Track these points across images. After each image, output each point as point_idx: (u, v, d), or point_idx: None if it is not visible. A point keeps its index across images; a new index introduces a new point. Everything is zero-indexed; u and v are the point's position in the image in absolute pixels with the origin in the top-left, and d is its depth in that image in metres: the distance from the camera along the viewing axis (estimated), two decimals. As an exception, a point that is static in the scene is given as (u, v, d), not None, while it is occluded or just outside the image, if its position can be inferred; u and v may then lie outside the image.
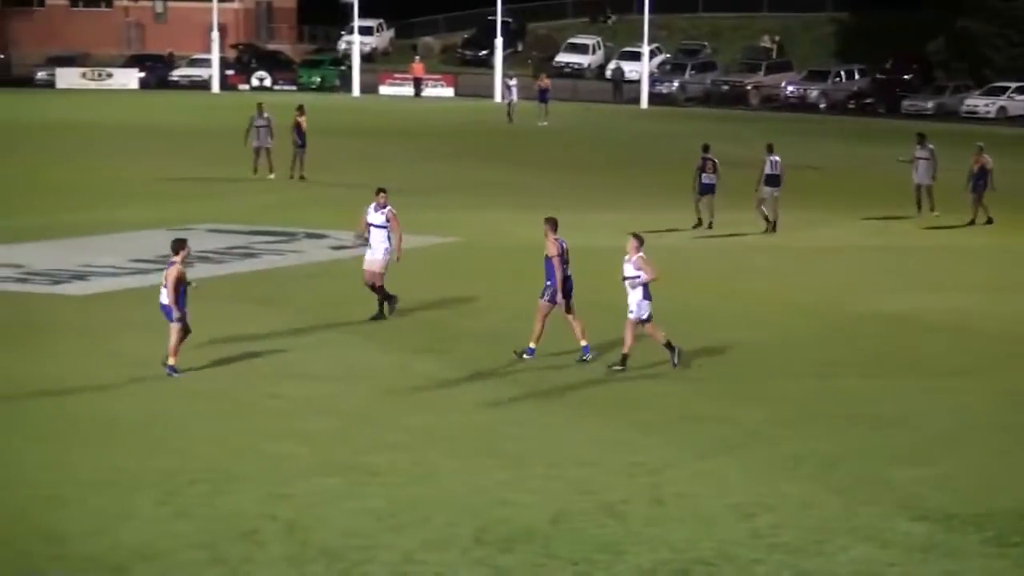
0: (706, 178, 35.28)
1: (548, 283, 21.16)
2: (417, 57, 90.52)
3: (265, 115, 43.62)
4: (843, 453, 17.23)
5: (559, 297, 21.10)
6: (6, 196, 38.72)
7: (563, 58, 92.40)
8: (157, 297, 20.06)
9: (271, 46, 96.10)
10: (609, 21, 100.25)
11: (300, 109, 43.91)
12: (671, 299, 26.76)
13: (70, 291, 25.95)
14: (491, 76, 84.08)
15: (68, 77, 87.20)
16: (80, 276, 27.26)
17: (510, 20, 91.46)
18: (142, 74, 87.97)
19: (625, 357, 20.79)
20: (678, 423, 18.41)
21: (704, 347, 22.58)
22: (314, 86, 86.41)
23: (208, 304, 24.82)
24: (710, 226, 35.14)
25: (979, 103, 76.15)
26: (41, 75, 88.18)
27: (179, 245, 19.86)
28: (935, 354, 22.87)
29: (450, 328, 23.60)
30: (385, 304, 23.94)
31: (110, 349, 20.83)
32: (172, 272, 19.64)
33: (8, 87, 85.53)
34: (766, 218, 35.09)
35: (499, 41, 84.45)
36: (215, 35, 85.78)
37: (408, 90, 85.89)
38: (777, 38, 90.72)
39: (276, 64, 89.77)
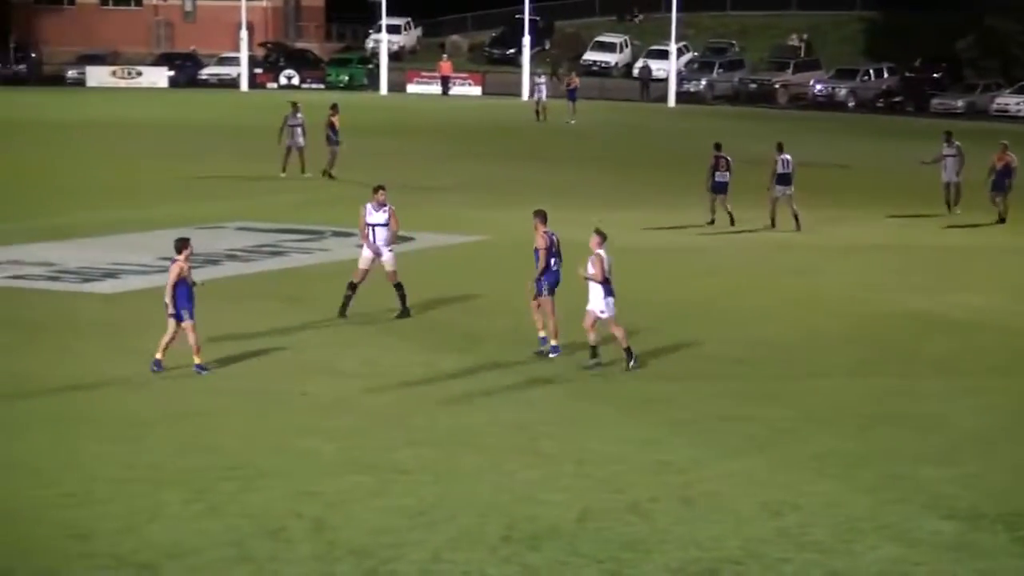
0: (719, 176, 35.33)
1: (541, 278, 21.13)
2: (445, 55, 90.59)
3: (299, 115, 43.72)
4: (871, 452, 17.18)
5: (544, 289, 21.07)
6: (37, 195, 38.90)
7: (590, 56, 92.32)
8: (165, 301, 19.95)
9: (299, 44, 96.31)
10: (636, 19, 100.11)
11: (334, 108, 44.03)
12: (698, 297, 26.77)
13: (100, 289, 26.05)
14: (518, 75, 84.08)
15: (98, 75, 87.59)
16: (111, 274, 27.37)
17: (538, 18, 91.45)
18: (171, 72, 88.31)
19: (629, 351, 20.69)
20: (705, 422, 18.38)
21: (731, 345, 22.56)
22: (342, 84, 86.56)
23: (236, 302, 24.94)
24: (732, 222, 35.12)
25: (1010, 101, 75.80)
26: (72, 73, 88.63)
27: (182, 244, 19.91)
28: (963, 353, 22.78)
29: (477, 326, 23.60)
30: (405, 299, 23.88)
31: (139, 347, 20.89)
32: (173, 269, 19.68)
33: (39, 85, 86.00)
34: (773, 220, 35.04)
35: (527, 39, 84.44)
36: (243, 34, 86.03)
37: (436, 88, 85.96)
38: (805, 36, 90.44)
39: (304, 62, 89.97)
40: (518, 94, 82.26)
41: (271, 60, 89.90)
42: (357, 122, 44.79)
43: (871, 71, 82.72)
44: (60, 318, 23.47)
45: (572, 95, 68.70)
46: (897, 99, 79.85)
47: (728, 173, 35.25)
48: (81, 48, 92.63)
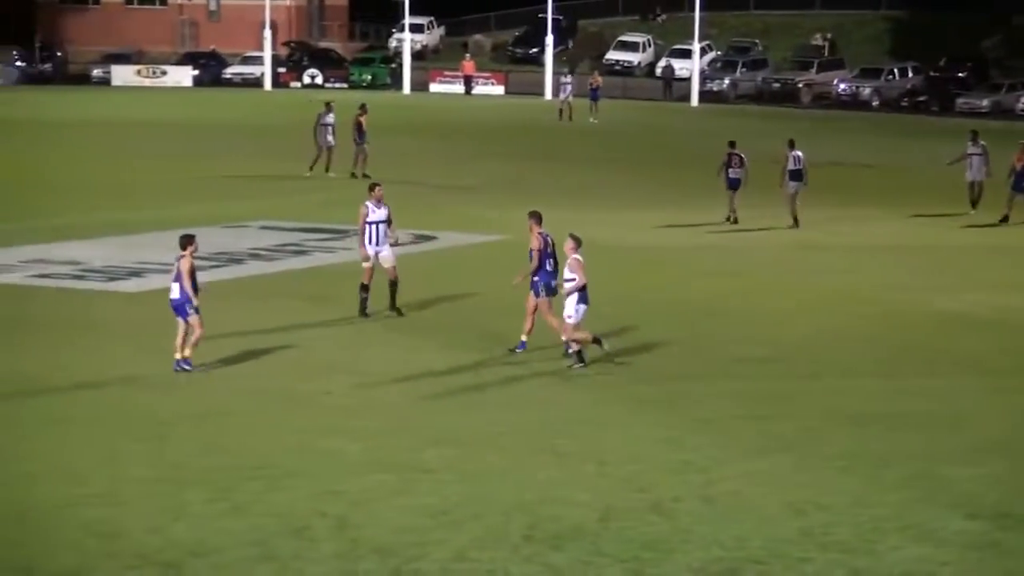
0: (732, 173, 35.46)
1: (535, 278, 21.11)
2: (468, 55, 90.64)
3: (331, 115, 43.76)
4: (895, 451, 17.14)
5: (541, 290, 21.06)
6: (64, 194, 39.04)
7: (613, 56, 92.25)
8: (188, 295, 19.92)
9: (323, 44, 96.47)
10: (659, 19, 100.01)
11: (362, 108, 44.11)
12: (720, 296, 26.73)
13: (125, 288, 26.14)
14: (541, 74, 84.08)
15: (123, 74, 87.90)
16: (136, 273, 27.46)
17: (561, 18, 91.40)
18: (196, 72, 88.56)
19: (580, 353, 20.60)
20: (728, 421, 18.36)
21: (754, 345, 22.53)
22: (365, 84, 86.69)
23: (259, 301, 25.00)
24: (735, 221, 35.17)
25: (1036, 100, 75.56)
26: (97, 72, 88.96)
27: (187, 240, 19.89)
28: (988, 353, 22.70)
29: (497, 326, 23.58)
30: (395, 298, 23.84)
31: (163, 345, 20.91)
32: (185, 264, 19.70)
33: (65, 85, 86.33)
34: (795, 216, 35.03)
35: (550, 39, 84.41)
36: (267, 33, 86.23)
37: (458, 88, 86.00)
38: (829, 36, 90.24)
39: (327, 62, 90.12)
40: (541, 93, 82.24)
41: (295, 59, 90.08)
42: (380, 121, 44.87)
43: (895, 70, 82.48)
44: (85, 317, 23.56)
45: (595, 95, 68.68)
46: (922, 98, 79.58)
47: (741, 170, 35.34)
48: (106, 47, 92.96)
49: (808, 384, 20.40)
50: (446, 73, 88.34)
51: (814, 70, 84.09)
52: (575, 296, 20.43)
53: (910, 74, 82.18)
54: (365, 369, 20.55)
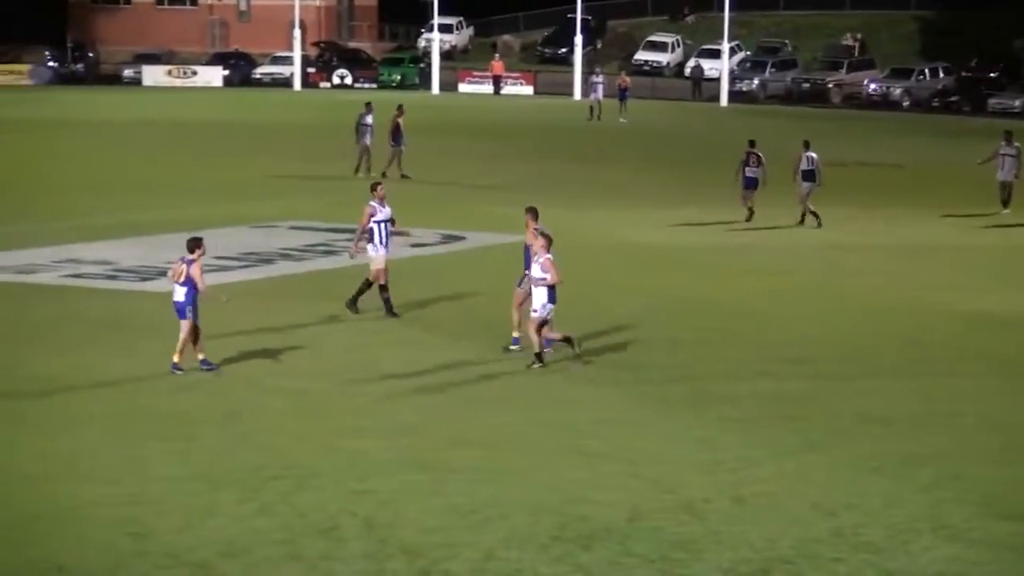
0: (750, 172, 35.52)
1: (527, 272, 21.08)
2: (497, 55, 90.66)
3: (370, 116, 43.71)
4: (927, 451, 17.06)
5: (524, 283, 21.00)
6: (95, 194, 39.17)
7: (642, 56, 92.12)
8: (206, 295, 19.91)
9: (352, 44, 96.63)
10: (688, 19, 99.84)
11: (399, 109, 44.14)
12: (749, 296, 26.65)
13: (157, 288, 26.17)
14: (570, 74, 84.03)
15: (154, 75, 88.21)
16: (166, 273, 27.41)
17: (590, 18, 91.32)
18: (225, 72, 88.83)
19: (539, 355, 20.49)
20: (760, 420, 18.30)
21: (783, 345, 22.46)
22: (394, 84, 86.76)
23: (287, 300, 25.03)
24: (749, 218, 35.24)
25: (1069, 100, 75.14)
26: (128, 73, 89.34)
27: (195, 243, 19.82)
28: (1020, 353, 22.57)
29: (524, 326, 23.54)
30: (360, 297, 23.74)
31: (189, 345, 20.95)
32: (196, 270, 19.59)
33: (96, 85, 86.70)
34: (815, 213, 35.10)
35: (579, 39, 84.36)
36: (297, 33, 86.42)
37: (487, 88, 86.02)
38: (859, 36, 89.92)
39: (357, 62, 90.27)
40: (570, 93, 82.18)
41: (324, 59, 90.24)
42: (409, 122, 44.88)
43: (926, 70, 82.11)
44: (117, 317, 23.62)
45: (623, 95, 68.62)
46: (953, 99, 79.22)
47: (759, 169, 35.38)
48: (137, 47, 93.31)
49: (838, 384, 20.32)
50: (475, 73, 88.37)
51: (844, 70, 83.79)
52: (544, 292, 20.37)
53: (941, 74, 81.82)
54: (391, 369, 20.54)
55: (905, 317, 25.09)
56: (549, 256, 20.42)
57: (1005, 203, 38.04)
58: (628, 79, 71.37)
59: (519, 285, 21.35)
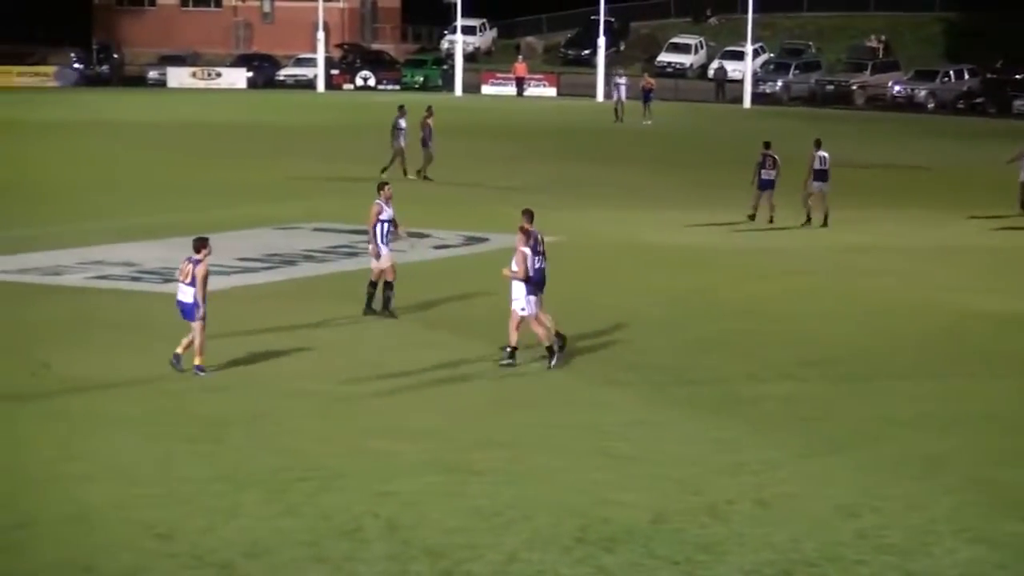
0: (765, 174, 35.58)
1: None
2: (520, 57, 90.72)
3: (403, 119, 43.70)
4: (950, 453, 17.04)
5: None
6: (119, 195, 39.32)
7: (665, 58, 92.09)
8: (198, 301, 19.94)
9: (375, 46, 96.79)
10: (712, 21, 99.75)
11: (428, 110, 44.19)
12: (771, 297, 26.63)
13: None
14: (593, 76, 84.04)
15: (179, 76, 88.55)
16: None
17: (613, 20, 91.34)
18: (249, 73, 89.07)
19: (551, 350, 20.53)
20: (783, 422, 18.30)
21: (808, 346, 22.44)
22: (417, 85, 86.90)
23: (310, 302, 25.10)
24: (771, 220, 35.21)
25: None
26: (153, 74, 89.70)
27: (201, 243, 19.79)
28: (1044, 356, 22.55)
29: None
30: (372, 300, 23.84)
31: (215, 347, 21.03)
32: (201, 270, 19.55)
33: (121, 86, 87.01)
34: (809, 214, 35.12)
35: (602, 41, 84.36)
36: (320, 35, 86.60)
37: (510, 89, 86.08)
38: (883, 37, 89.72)
39: (380, 64, 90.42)
40: (593, 95, 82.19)
41: (347, 61, 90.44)
42: (434, 123, 45.00)
43: (951, 72, 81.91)
44: (140, 319, 23.71)
45: (647, 97, 68.62)
46: (978, 100, 78.98)
47: (774, 171, 35.45)
48: (162, 49, 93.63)
49: (861, 386, 20.30)
50: (498, 75, 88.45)
51: (868, 72, 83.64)
52: (523, 288, 20.35)
53: (966, 76, 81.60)
54: (413, 370, 20.58)
55: (929, 319, 25.05)
56: (524, 250, 20.41)
57: (1023, 204, 37.93)
58: (653, 81, 71.36)
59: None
